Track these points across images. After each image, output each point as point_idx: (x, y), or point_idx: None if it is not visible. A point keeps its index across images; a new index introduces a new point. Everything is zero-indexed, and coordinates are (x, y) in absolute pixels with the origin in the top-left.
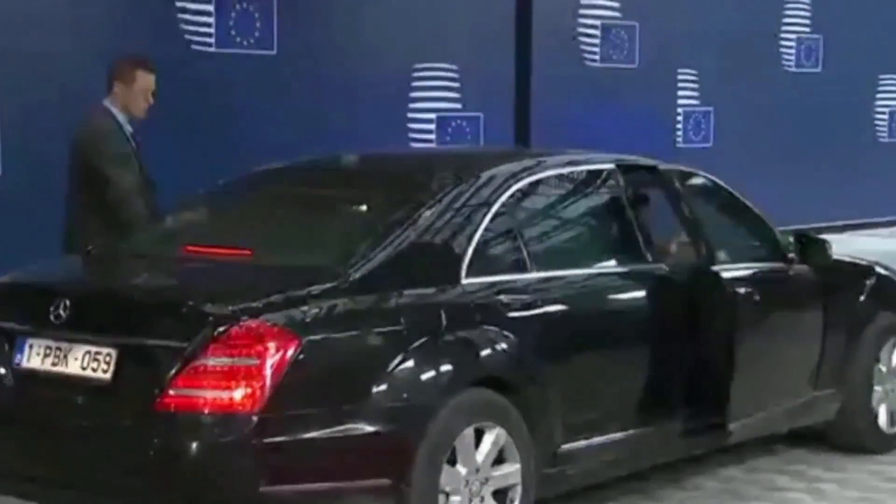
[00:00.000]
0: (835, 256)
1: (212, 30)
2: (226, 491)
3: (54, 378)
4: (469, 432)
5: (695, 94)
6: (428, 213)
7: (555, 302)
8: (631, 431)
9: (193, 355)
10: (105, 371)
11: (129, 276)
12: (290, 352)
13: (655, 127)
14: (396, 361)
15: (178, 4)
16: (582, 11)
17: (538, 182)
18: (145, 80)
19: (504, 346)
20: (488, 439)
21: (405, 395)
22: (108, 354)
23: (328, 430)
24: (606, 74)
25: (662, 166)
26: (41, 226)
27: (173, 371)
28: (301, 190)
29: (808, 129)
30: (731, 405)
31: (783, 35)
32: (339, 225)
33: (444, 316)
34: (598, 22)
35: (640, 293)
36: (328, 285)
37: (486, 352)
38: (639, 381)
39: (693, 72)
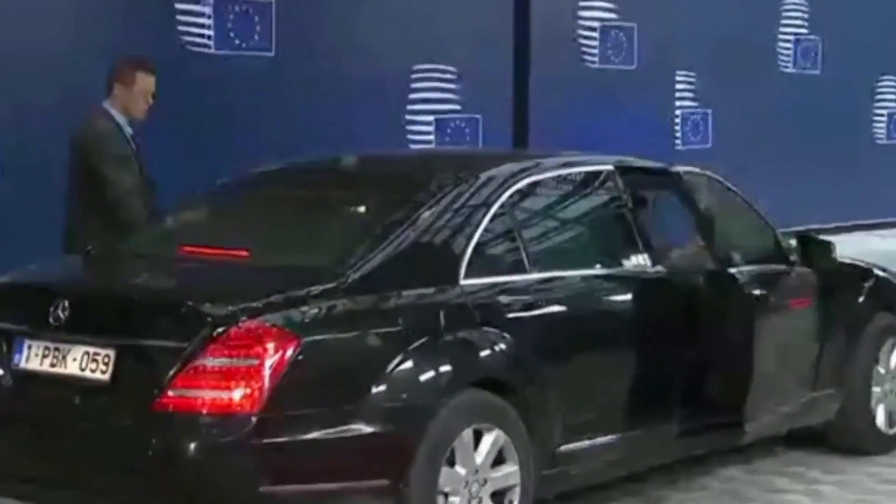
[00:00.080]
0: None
1: (210, 31)
2: (225, 491)
3: (53, 379)
4: (468, 433)
5: (693, 95)
6: (427, 213)
7: (554, 303)
8: (630, 432)
9: (192, 356)
10: (104, 372)
11: (128, 276)
12: (290, 352)
13: (654, 128)
14: (395, 362)
15: (176, 6)
16: (580, 13)
17: (537, 183)
18: (145, 82)
19: (503, 346)
20: (487, 440)
21: (404, 396)
22: (107, 355)
23: (327, 431)
24: (605, 76)
25: (675, 168)
26: (41, 226)
27: (172, 371)
28: (300, 190)
29: (807, 131)
30: (748, 405)
31: (781, 37)
32: (338, 225)
33: (442, 317)
34: (596, 24)
35: (639, 295)
36: (327, 286)
37: (485, 353)
38: (636, 382)
39: (691, 73)
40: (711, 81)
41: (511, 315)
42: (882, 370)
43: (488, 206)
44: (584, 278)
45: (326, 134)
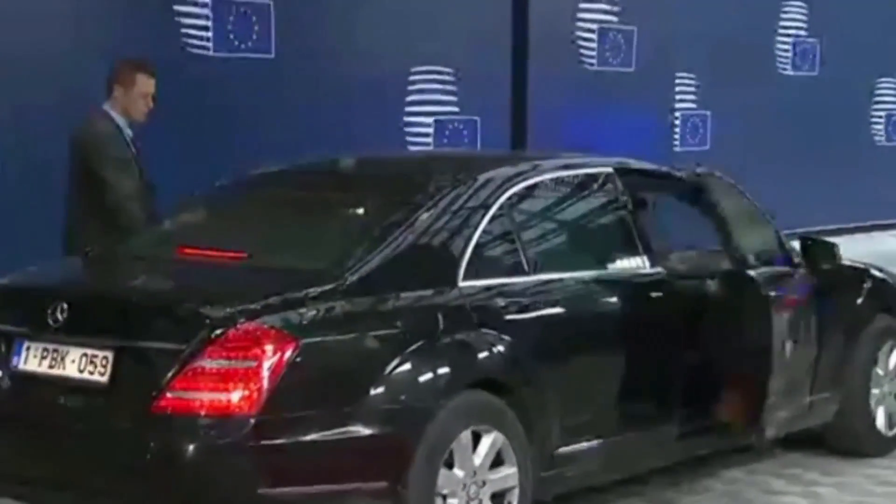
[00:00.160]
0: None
1: (209, 33)
2: (223, 493)
3: (52, 380)
4: (466, 435)
5: (692, 97)
6: (425, 215)
7: (552, 305)
8: (629, 434)
9: (191, 358)
10: (102, 374)
11: (127, 278)
12: (288, 354)
13: (653, 130)
14: (394, 364)
15: (176, 8)
16: (579, 15)
17: (536, 185)
18: (145, 84)
19: (501, 348)
20: (486, 442)
21: (402, 398)
22: (105, 357)
23: (325, 433)
24: (604, 78)
25: (694, 169)
26: (41, 226)
27: (171, 373)
28: (298, 192)
29: (806, 133)
30: (767, 406)
31: (780, 39)
32: (336, 227)
33: (441, 318)
34: (595, 26)
35: (637, 296)
36: (325, 288)
37: (483, 354)
38: (635, 383)
39: (690, 75)
40: (710, 83)
41: (509, 317)
42: (881, 372)
43: (487, 207)
44: (583, 280)
45: (325, 135)
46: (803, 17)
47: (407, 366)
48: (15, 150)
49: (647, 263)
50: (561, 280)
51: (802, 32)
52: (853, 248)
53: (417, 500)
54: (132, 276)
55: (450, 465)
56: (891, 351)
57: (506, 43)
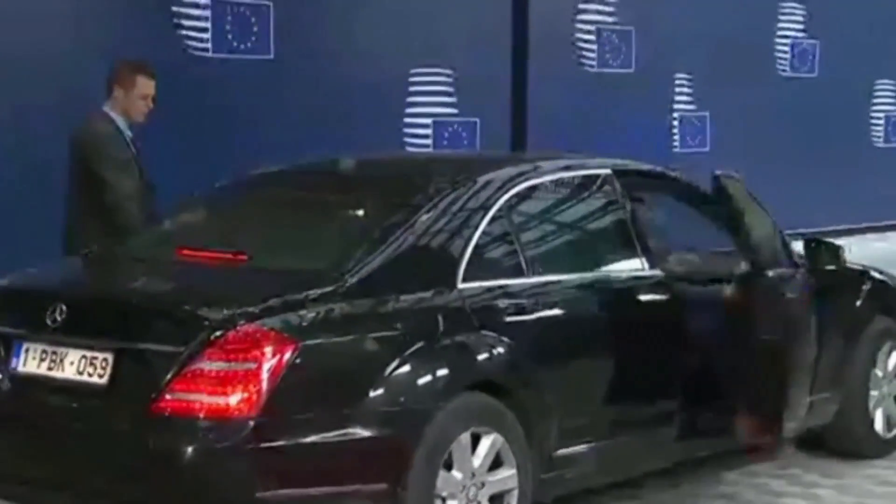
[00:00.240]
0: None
1: (208, 34)
2: (222, 495)
3: (50, 382)
4: (465, 437)
5: (691, 98)
6: (425, 217)
7: (551, 306)
8: (628, 436)
9: (190, 359)
10: (101, 375)
11: (126, 280)
12: (287, 356)
13: (652, 131)
14: (393, 366)
15: (175, 9)
16: (578, 16)
17: (535, 187)
18: (145, 86)
19: (500, 350)
20: (485, 444)
21: (402, 400)
22: (105, 359)
23: (325, 435)
24: (603, 79)
25: (714, 172)
26: (41, 226)
27: (170, 375)
28: (298, 193)
29: (804, 134)
30: (789, 407)
31: (778, 40)
32: (336, 229)
33: (440, 320)
34: (594, 27)
35: (636, 298)
36: (325, 289)
37: (482, 356)
38: (634, 385)
39: (689, 76)
40: (709, 85)
41: (509, 318)
42: (880, 373)
43: (486, 209)
44: (582, 282)
45: (324, 136)
46: (802, 19)
47: (406, 367)
48: (15, 150)
49: (647, 265)
50: (560, 282)
51: (801, 34)
52: (853, 249)
53: (417, 501)
54: (131, 277)
55: (449, 467)
56: (890, 353)
57: (506, 44)
